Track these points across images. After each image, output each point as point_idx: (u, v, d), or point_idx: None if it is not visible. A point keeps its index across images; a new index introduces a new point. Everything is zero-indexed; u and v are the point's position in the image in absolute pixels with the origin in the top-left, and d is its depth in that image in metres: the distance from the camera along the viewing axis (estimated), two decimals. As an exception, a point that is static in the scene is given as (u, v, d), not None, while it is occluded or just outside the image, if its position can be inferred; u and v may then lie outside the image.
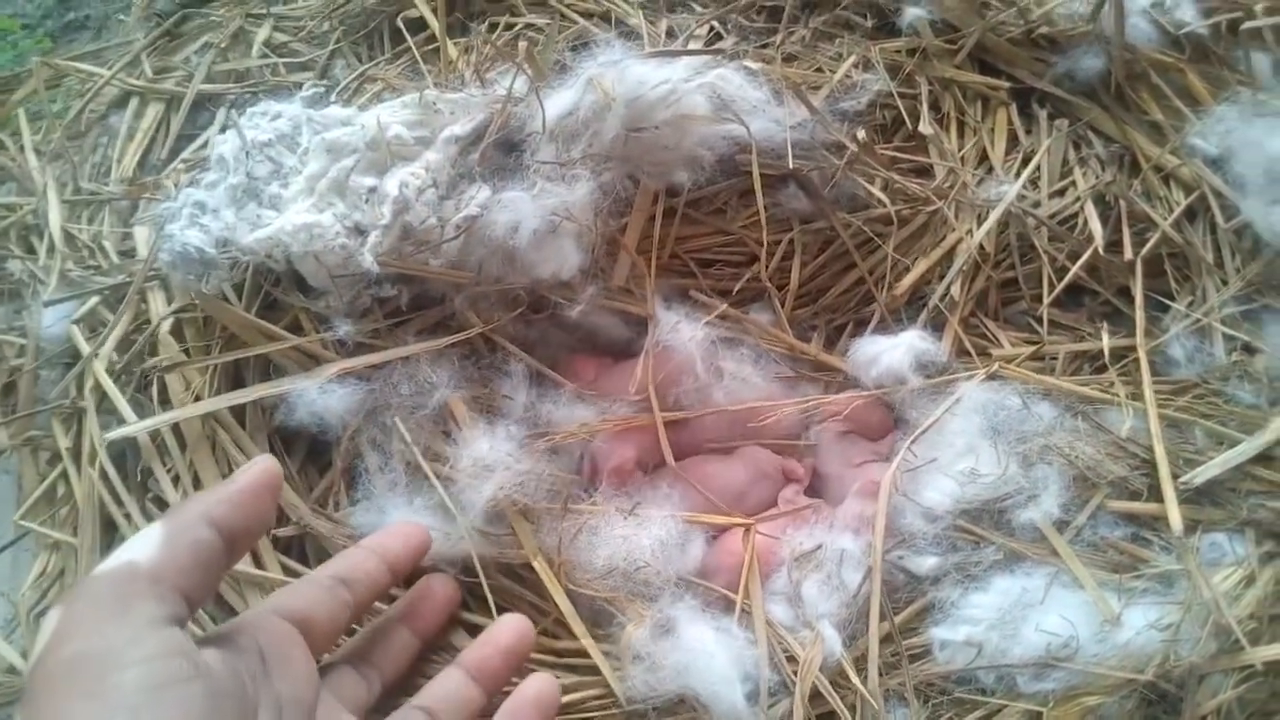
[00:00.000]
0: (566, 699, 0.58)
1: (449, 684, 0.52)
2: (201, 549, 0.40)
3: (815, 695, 0.57)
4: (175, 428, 0.65)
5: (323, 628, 0.47)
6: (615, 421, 0.68)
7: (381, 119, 0.67)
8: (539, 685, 0.53)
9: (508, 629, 0.55)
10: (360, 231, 0.65)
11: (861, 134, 0.74)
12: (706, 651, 0.57)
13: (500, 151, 0.68)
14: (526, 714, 0.51)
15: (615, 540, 0.63)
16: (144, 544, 0.40)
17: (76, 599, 0.38)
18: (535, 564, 0.61)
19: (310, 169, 0.68)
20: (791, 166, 0.70)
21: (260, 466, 0.44)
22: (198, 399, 0.65)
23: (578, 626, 0.60)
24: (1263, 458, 0.67)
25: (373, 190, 0.66)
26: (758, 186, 0.71)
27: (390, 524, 0.56)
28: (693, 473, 0.67)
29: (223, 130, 0.71)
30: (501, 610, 0.64)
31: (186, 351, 0.68)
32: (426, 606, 0.56)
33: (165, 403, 0.67)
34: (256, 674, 0.41)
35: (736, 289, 0.74)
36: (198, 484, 0.64)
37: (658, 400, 0.68)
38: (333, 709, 0.46)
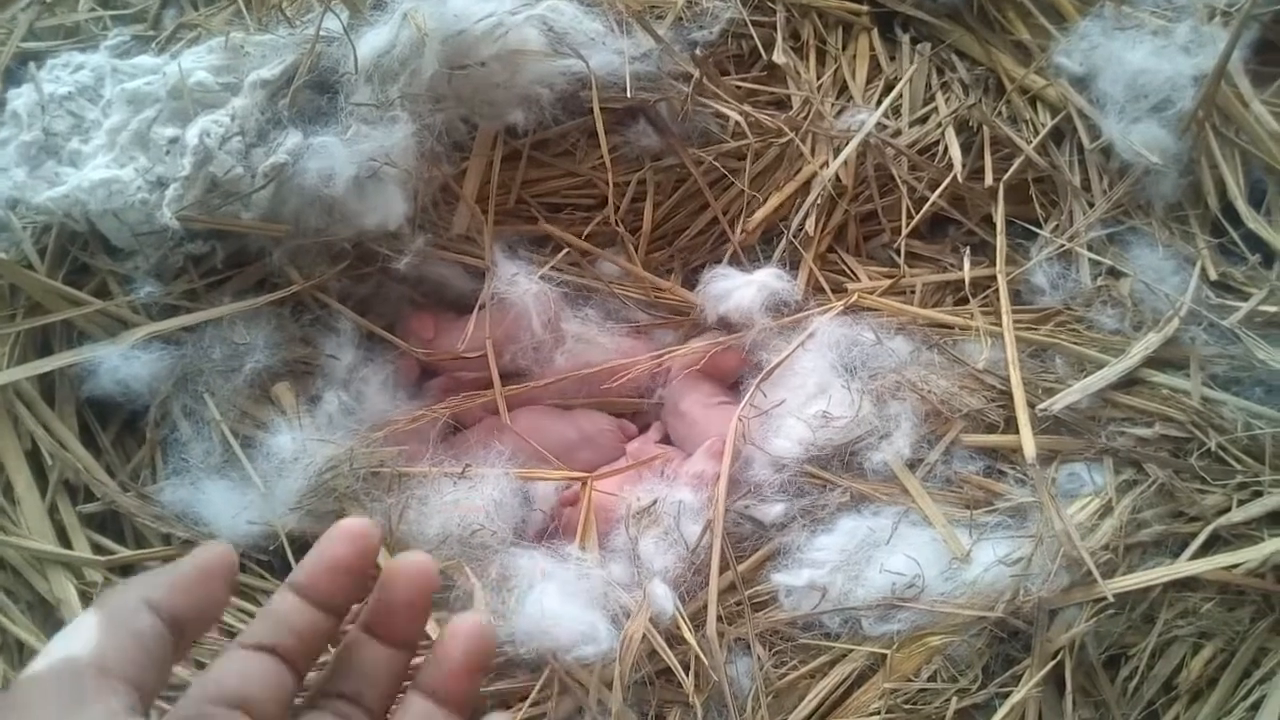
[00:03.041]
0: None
1: (416, 715, 0.43)
2: (145, 637, 0.36)
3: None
4: (-26, 404, 0.61)
5: (265, 703, 0.40)
6: (455, 403, 0.65)
7: (184, 65, 0.63)
8: None
9: (462, 643, 0.44)
10: (163, 185, 0.61)
11: (698, 50, 0.70)
12: (551, 613, 0.55)
13: (315, 94, 0.64)
14: None
15: (446, 506, 0.59)
16: (80, 635, 0.36)
17: (20, 706, 0.34)
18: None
19: (111, 122, 0.64)
20: (630, 96, 0.67)
21: (212, 550, 0.39)
22: (-3, 372, 0.61)
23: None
24: (1125, 383, 0.65)
25: (174, 141, 0.62)
26: (599, 123, 0.68)
27: (321, 542, 0.42)
28: (524, 423, 0.64)
29: (19, 84, 0.66)
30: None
31: (-14, 322, 0.64)
32: (394, 610, 0.44)
33: (-35, 380, 0.62)
34: None
35: (586, 233, 0.71)
36: (-1, 464, 0.60)
37: (495, 357, 0.65)
38: None
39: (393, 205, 0.64)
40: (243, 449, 0.58)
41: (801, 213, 0.70)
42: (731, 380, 0.69)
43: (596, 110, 0.67)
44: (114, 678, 0.35)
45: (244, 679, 0.39)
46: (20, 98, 0.65)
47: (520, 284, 0.66)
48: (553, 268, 0.68)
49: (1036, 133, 0.75)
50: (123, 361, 0.59)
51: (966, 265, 0.71)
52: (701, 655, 0.54)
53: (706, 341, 0.68)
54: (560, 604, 0.54)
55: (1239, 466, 0.62)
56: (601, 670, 0.53)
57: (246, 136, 0.62)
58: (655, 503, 0.59)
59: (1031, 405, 0.62)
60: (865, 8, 0.79)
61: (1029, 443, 0.61)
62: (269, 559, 0.59)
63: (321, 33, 0.63)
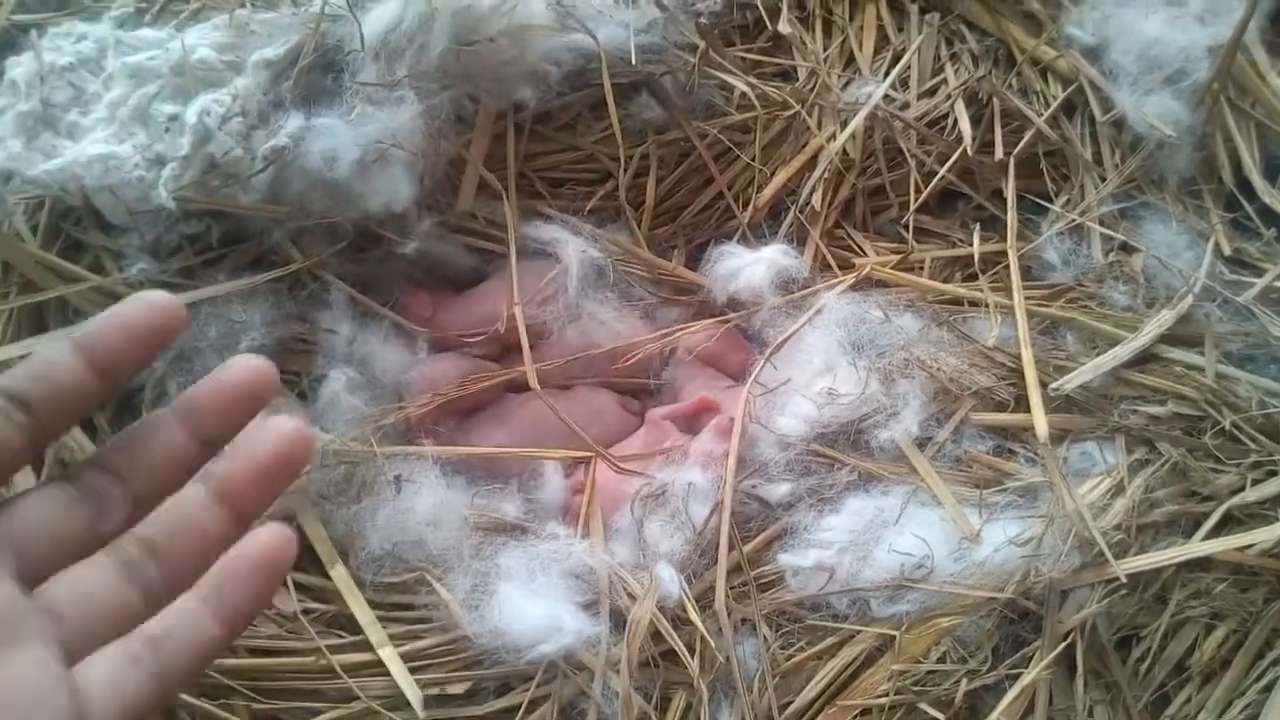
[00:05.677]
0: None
1: (185, 506, 0.35)
2: None
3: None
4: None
5: None
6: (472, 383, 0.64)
7: (187, 41, 0.62)
8: (268, 541, 0.35)
9: (273, 440, 0.36)
10: (160, 164, 0.60)
11: (702, 19, 0.68)
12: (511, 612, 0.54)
13: (320, 75, 0.63)
14: (243, 576, 0.34)
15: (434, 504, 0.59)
16: None
17: None
18: (333, 574, 0.57)
19: (112, 95, 0.62)
20: (635, 65, 0.65)
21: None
22: (-10, 349, 0.60)
23: (376, 634, 0.55)
24: (1138, 361, 0.64)
25: (174, 119, 0.61)
26: (610, 98, 0.66)
27: (119, 305, 0.35)
28: (527, 411, 0.64)
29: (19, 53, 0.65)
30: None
31: (-20, 299, 0.63)
32: (211, 397, 0.36)
33: (-41, 356, 0.61)
34: None
35: (588, 208, 0.70)
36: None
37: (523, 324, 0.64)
38: None
39: (398, 188, 0.62)
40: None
41: (808, 187, 0.69)
42: (738, 372, 0.68)
43: (607, 85, 0.66)
44: None
45: None
46: (19, 67, 0.63)
47: (569, 242, 0.65)
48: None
49: (1047, 105, 0.73)
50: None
51: (976, 240, 0.69)
52: (707, 636, 0.53)
53: (714, 322, 0.67)
54: (523, 600, 0.53)
55: (1253, 445, 0.61)
56: (608, 654, 0.53)
57: (248, 118, 0.60)
58: (664, 487, 0.58)
59: (1043, 384, 0.62)
60: (873, -24, 0.77)
61: (1040, 421, 0.60)
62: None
63: (327, 10, 0.61)
